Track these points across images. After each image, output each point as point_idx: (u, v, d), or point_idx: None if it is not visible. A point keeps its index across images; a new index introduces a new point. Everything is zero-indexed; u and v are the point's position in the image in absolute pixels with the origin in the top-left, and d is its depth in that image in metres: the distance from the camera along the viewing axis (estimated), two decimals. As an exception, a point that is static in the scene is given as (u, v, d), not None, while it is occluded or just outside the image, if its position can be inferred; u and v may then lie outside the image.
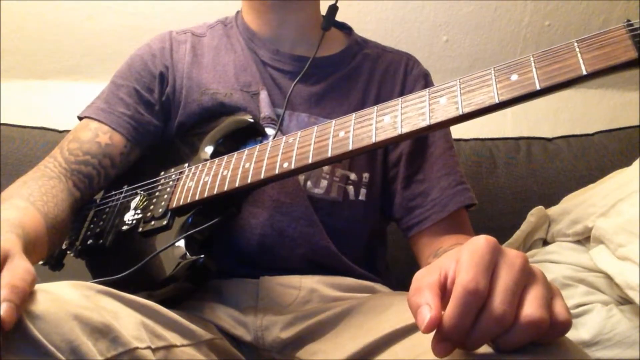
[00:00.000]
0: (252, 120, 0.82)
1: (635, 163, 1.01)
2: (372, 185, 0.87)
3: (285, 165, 0.67)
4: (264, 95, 0.87)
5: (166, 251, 0.71)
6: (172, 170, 0.83)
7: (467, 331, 0.40)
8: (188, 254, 0.70)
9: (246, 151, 0.74)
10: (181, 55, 0.93)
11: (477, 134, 1.37)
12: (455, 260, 0.42)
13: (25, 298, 0.46)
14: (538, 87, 0.52)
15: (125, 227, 0.80)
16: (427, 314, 0.40)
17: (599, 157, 1.31)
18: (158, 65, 0.92)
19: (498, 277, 0.40)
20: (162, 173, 0.84)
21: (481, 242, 0.42)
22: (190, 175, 0.78)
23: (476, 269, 0.40)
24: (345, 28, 1.00)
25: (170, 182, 0.80)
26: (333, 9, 0.92)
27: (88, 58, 1.57)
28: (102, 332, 0.51)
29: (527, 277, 0.41)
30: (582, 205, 0.99)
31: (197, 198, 0.74)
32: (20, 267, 0.47)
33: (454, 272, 0.42)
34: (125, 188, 0.87)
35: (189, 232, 0.71)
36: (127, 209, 0.82)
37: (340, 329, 0.70)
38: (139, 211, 0.80)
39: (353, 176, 0.86)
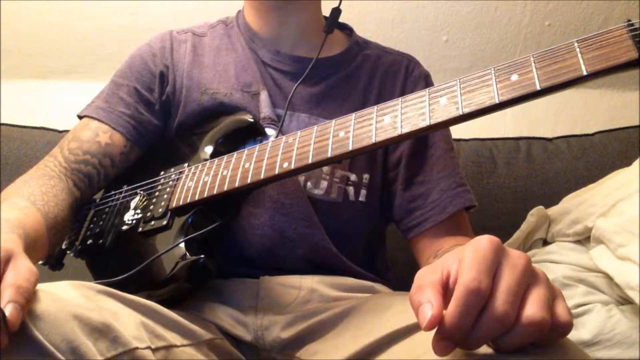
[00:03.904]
0: (252, 120, 0.82)
1: (635, 163, 1.01)
2: (372, 186, 0.87)
3: (285, 165, 0.67)
4: (264, 96, 0.87)
5: (166, 251, 0.71)
6: (172, 170, 0.83)
7: (468, 330, 0.40)
8: (188, 254, 0.69)
9: (246, 151, 0.73)
10: (181, 55, 0.92)
11: (477, 134, 1.37)
12: (457, 260, 0.42)
13: (29, 298, 0.46)
14: (538, 88, 0.52)
15: (125, 227, 0.80)
16: (428, 312, 0.40)
17: (599, 157, 1.31)
18: (158, 64, 0.92)
19: (500, 277, 0.40)
20: (162, 173, 0.84)
21: (484, 242, 0.42)
22: (190, 175, 0.78)
23: (478, 269, 0.40)
24: (345, 29, 1.00)
25: (170, 182, 0.80)
26: (336, 12, 0.92)
27: (88, 58, 1.56)
28: (102, 332, 0.51)
29: (529, 278, 0.41)
30: (582, 205, 0.99)
31: (197, 198, 0.74)
32: (23, 267, 0.47)
33: (456, 271, 0.42)
34: (125, 188, 0.87)
35: (190, 236, 0.71)
36: (127, 208, 0.82)
37: (341, 329, 0.70)
38: (138, 211, 0.80)
39: (353, 177, 0.86)
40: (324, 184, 0.84)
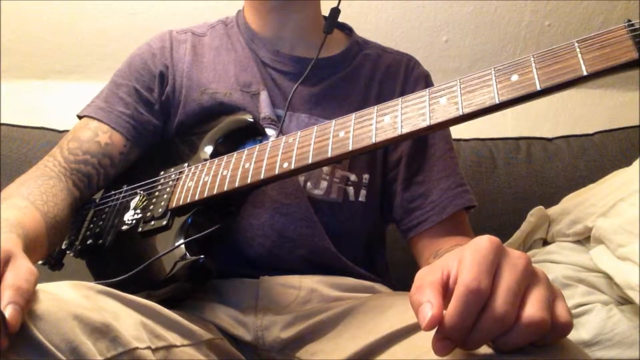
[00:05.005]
0: (251, 120, 0.82)
1: (635, 163, 1.01)
2: (372, 187, 0.87)
3: (285, 165, 0.67)
4: (264, 96, 0.87)
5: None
6: (172, 170, 0.83)
7: (468, 330, 0.40)
8: (188, 254, 0.69)
9: (246, 151, 0.73)
10: (181, 55, 0.92)
11: (477, 134, 1.37)
12: (458, 260, 0.42)
13: (29, 299, 0.46)
14: (538, 88, 0.52)
15: (124, 227, 0.80)
16: (428, 312, 0.40)
17: (599, 157, 1.31)
18: (158, 64, 0.92)
19: (500, 277, 0.40)
20: (162, 173, 0.84)
21: (484, 242, 0.42)
22: (190, 175, 0.78)
23: (479, 269, 0.40)
24: (345, 29, 1.00)
25: (170, 182, 0.80)
26: (335, 12, 0.92)
27: (88, 58, 1.57)
28: (102, 332, 0.51)
29: (529, 278, 0.41)
30: (582, 205, 0.99)
31: (196, 198, 0.74)
32: (23, 268, 0.47)
33: (456, 271, 0.42)
34: (125, 188, 0.87)
35: (190, 239, 0.71)
36: (127, 208, 0.82)
37: (341, 329, 0.70)
38: (138, 211, 0.80)
39: (353, 177, 0.86)
40: (324, 184, 0.84)
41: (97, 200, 0.89)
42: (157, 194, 0.81)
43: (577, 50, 0.51)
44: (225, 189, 0.71)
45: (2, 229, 0.58)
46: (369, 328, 0.65)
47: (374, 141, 0.61)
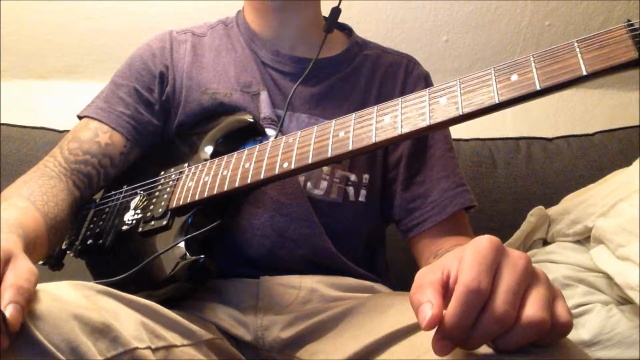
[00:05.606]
0: (252, 120, 0.82)
1: (635, 163, 1.01)
2: (372, 187, 0.87)
3: (285, 165, 0.67)
4: (264, 96, 0.87)
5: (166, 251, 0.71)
6: (172, 170, 0.83)
7: (468, 330, 0.40)
8: (188, 254, 0.69)
9: (246, 151, 0.74)
10: (181, 55, 0.92)
11: (477, 134, 1.37)
12: (458, 259, 0.42)
13: (30, 299, 0.46)
14: (538, 88, 0.52)
15: (125, 227, 0.80)
16: (428, 312, 0.40)
17: (599, 157, 1.31)
18: (158, 64, 0.92)
19: (500, 277, 0.40)
20: (162, 173, 0.84)
21: (484, 242, 0.42)
22: (190, 175, 0.78)
23: (479, 269, 0.40)
24: (345, 29, 1.00)
25: (170, 182, 0.80)
26: (336, 12, 0.92)
27: (88, 58, 1.57)
28: (102, 332, 0.51)
29: (529, 278, 0.41)
30: (582, 205, 0.99)
31: (197, 198, 0.74)
32: (24, 268, 0.47)
33: (456, 270, 0.42)
34: (125, 188, 0.87)
35: (190, 235, 0.71)
36: (127, 209, 0.82)
37: (341, 329, 0.70)
38: (138, 211, 0.80)
39: (353, 177, 0.86)
40: (324, 184, 0.84)
41: (97, 201, 0.90)
42: (157, 194, 0.81)
43: (577, 50, 0.51)
44: (225, 189, 0.72)
45: (2, 229, 0.58)
46: (369, 328, 0.66)
47: (374, 141, 0.61)
